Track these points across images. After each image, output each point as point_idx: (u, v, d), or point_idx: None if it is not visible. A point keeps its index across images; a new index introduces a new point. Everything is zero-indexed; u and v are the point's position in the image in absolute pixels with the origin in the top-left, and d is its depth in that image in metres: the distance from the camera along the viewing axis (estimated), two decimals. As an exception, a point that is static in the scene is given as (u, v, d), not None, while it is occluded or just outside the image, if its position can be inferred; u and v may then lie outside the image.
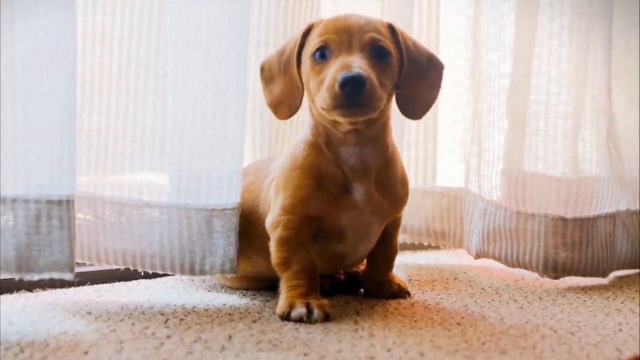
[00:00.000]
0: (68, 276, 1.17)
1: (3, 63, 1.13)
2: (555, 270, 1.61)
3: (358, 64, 1.20)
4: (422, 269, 1.74)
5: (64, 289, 1.42)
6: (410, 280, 1.60)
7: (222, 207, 1.35)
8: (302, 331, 1.16)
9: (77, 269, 1.25)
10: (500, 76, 1.69)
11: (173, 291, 1.44)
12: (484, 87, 1.71)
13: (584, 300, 1.46)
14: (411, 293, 1.45)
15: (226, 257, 1.35)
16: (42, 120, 1.15)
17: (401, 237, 1.49)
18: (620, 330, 1.23)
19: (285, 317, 1.23)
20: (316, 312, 1.22)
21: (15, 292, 1.38)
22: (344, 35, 1.24)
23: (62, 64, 1.17)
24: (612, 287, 1.61)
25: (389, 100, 1.29)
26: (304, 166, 1.30)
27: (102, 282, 1.49)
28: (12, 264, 1.14)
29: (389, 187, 1.33)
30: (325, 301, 1.26)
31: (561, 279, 1.63)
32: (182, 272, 1.36)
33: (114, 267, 1.41)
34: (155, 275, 1.50)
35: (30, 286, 1.39)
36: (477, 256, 1.71)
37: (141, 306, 1.30)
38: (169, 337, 1.11)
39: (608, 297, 1.49)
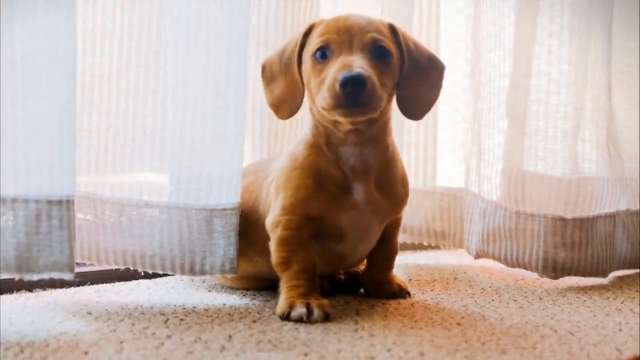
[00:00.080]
0: (68, 276, 1.17)
1: (3, 63, 1.13)
2: (554, 270, 1.61)
3: (359, 63, 1.20)
4: (422, 269, 1.74)
5: (64, 289, 1.42)
6: (410, 280, 1.60)
7: (222, 207, 1.35)
8: (302, 331, 1.16)
9: (77, 269, 1.25)
10: (500, 76, 1.69)
11: (173, 291, 1.44)
12: (484, 87, 1.71)
13: (584, 300, 1.46)
14: (411, 293, 1.45)
15: (226, 257, 1.35)
16: (42, 120, 1.15)
17: (401, 237, 1.50)
18: (620, 330, 1.23)
19: (285, 317, 1.23)
20: (316, 312, 1.22)
21: (15, 292, 1.38)
22: (345, 35, 1.24)
23: (62, 64, 1.17)
24: (612, 287, 1.61)
25: (389, 101, 1.29)
26: (304, 166, 1.30)
27: (102, 282, 1.49)
28: (12, 264, 1.14)
29: (389, 187, 1.33)
30: (325, 301, 1.26)
31: (561, 279, 1.63)
32: (182, 272, 1.36)
33: (114, 267, 1.41)
34: (155, 275, 1.50)
35: (30, 286, 1.39)
36: (477, 256, 1.71)
37: (141, 306, 1.30)
38: (169, 337, 1.11)
39: (608, 297, 1.49)
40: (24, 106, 1.14)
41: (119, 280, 1.50)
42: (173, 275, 1.50)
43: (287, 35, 1.59)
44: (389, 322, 1.23)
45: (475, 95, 1.75)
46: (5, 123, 1.13)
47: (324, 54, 1.24)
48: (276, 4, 1.62)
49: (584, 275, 1.63)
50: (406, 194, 1.38)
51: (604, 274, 1.65)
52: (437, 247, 2.00)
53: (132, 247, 1.35)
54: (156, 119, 1.38)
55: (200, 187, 1.35)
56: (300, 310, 1.22)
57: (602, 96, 1.70)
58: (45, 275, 1.16)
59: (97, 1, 1.36)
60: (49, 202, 1.16)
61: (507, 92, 1.68)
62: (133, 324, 1.18)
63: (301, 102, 1.31)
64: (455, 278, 1.64)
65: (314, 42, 1.26)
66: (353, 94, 1.17)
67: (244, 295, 1.42)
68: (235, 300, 1.38)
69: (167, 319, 1.22)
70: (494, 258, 1.68)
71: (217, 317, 1.25)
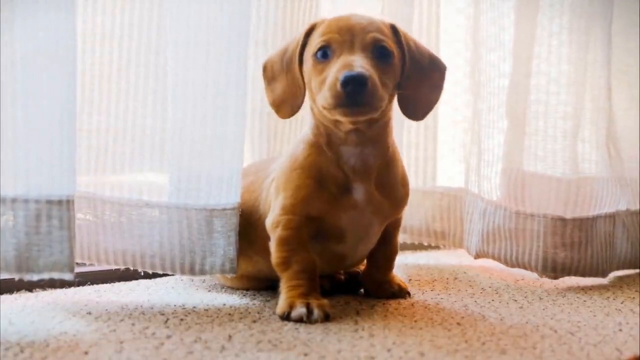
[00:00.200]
0: (68, 276, 1.17)
1: (3, 63, 1.13)
2: (554, 270, 1.61)
3: (360, 63, 1.20)
4: (422, 269, 1.74)
5: (64, 289, 1.42)
6: (410, 280, 1.60)
7: (222, 207, 1.35)
8: (302, 331, 1.16)
9: (77, 269, 1.25)
10: (500, 76, 1.69)
11: (173, 291, 1.44)
12: (484, 87, 1.71)
13: (584, 300, 1.46)
14: (411, 293, 1.45)
15: (226, 257, 1.35)
16: (42, 120, 1.15)
17: (401, 237, 1.50)
18: (620, 330, 1.23)
19: (285, 317, 1.23)
20: (316, 312, 1.22)
21: (15, 292, 1.38)
22: (347, 35, 1.24)
23: (62, 64, 1.17)
24: (612, 287, 1.61)
25: (390, 101, 1.29)
26: (305, 166, 1.30)
27: (102, 282, 1.49)
28: (12, 264, 1.14)
29: (390, 187, 1.33)
30: (325, 301, 1.26)
31: (561, 279, 1.63)
32: (182, 272, 1.36)
33: (114, 267, 1.41)
34: (155, 275, 1.50)
35: (30, 286, 1.39)
36: (477, 256, 1.71)
37: (141, 306, 1.30)
38: (169, 337, 1.11)
39: (608, 297, 1.49)
40: (24, 106, 1.14)
41: (119, 280, 1.50)
42: (173, 275, 1.50)
43: (287, 36, 1.59)
44: (389, 322, 1.23)
45: (475, 95, 1.75)
46: (5, 123, 1.13)
47: (325, 54, 1.24)
48: (275, 4, 1.61)
49: (583, 275, 1.63)
50: (406, 194, 1.38)
51: (603, 274, 1.65)
52: (437, 247, 2.00)
53: (132, 247, 1.35)
54: (156, 119, 1.38)
55: (200, 187, 1.35)
56: (300, 310, 1.22)
57: (601, 96, 1.70)
58: (45, 275, 1.16)
59: (97, 1, 1.36)
60: (49, 202, 1.16)
61: (507, 92, 1.68)
62: (133, 324, 1.18)
63: (302, 101, 1.31)
64: (455, 278, 1.64)
65: (315, 42, 1.26)
66: (354, 94, 1.18)
67: (244, 295, 1.42)
68: (235, 300, 1.38)
69: (167, 319, 1.22)
70: (493, 258, 1.68)
71: (217, 317, 1.25)
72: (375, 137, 1.30)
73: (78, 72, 1.25)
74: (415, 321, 1.25)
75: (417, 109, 1.34)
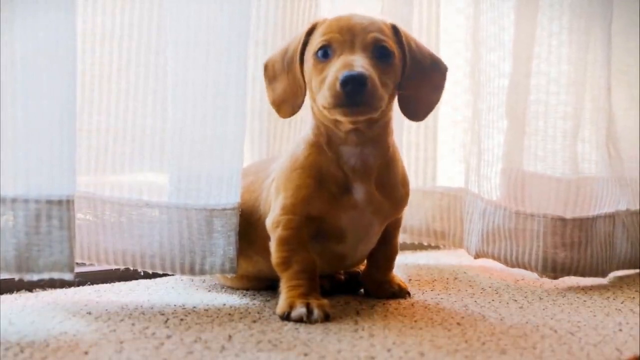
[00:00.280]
0: (68, 276, 1.17)
1: (3, 63, 1.13)
2: (554, 270, 1.61)
3: (360, 63, 1.20)
4: (422, 269, 1.74)
5: (64, 289, 1.42)
6: (410, 280, 1.60)
7: (222, 207, 1.35)
8: (302, 331, 1.16)
9: (77, 269, 1.25)
10: (499, 76, 1.69)
11: (173, 291, 1.44)
12: (484, 87, 1.71)
13: (584, 300, 1.46)
14: (411, 293, 1.45)
15: (226, 257, 1.35)
16: (42, 120, 1.15)
17: (401, 237, 1.50)
18: (620, 330, 1.23)
19: (285, 317, 1.23)
20: (316, 312, 1.22)
21: (15, 292, 1.38)
22: (347, 35, 1.24)
23: (62, 64, 1.17)
24: (612, 287, 1.61)
25: (390, 101, 1.29)
26: (305, 166, 1.30)
27: (102, 282, 1.49)
28: (12, 264, 1.14)
29: (390, 187, 1.33)
30: (325, 301, 1.26)
31: (561, 279, 1.63)
32: (182, 272, 1.36)
33: (114, 267, 1.41)
34: (155, 275, 1.50)
35: (30, 286, 1.39)
36: (477, 256, 1.71)
37: (141, 306, 1.30)
38: (169, 337, 1.11)
39: (608, 297, 1.49)
40: (24, 106, 1.14)
41: (119, 280, 1.50)
42: (173, 275, 1.50)
43: (286, 36, 1.59)
44: (389, 322, 1.23)
45: (475, 95, 1.75)
46: (5, 123, 1.13)
47: (325, 53, 1.24)
48: (275, 4, 1.61)
49: (583, 275, 1.63)
50: (407, 194, 1.38)
51: (603, 274, 1.65)
52: (437, 247, 2.00)
53: (132, 247, 1.35)
54: (156, 119, 1.38)
55: (200, 187, 1.35)
56: (300, 310, 1.22)
57: (601, 96, 1.70)
58: (45, 275, 1.16)
59: (97, 1, 1.36)
60: (49, 202, 1.16)
61: (506, 92, 1.68)
62: (133, 324, 1.18)
63: (303, 100, 1.31)
64: (455, 278, 1.64)
65: (316, 41, 1.26)
66: (353, 93, 1.17)
67: (244, 295, 1.42)
68: (235, 300, 1.38)
69: (167, 319, 1.22)
70: (493, 258, 1.68)
71: (217, 317, 1.25)
72: (376, 137, 1.30)
73: (78, 72, 1.25)
74: (415, 321, 1.25)
75: (417, 109, 1.34)
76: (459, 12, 1.86)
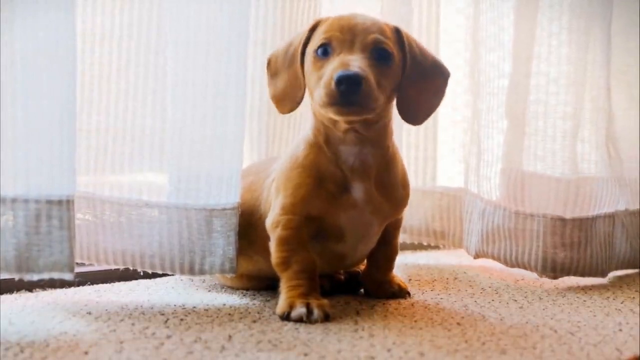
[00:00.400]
0: (68, 276, 1.17)
1: (3, 63, 1.13)
2: (554, 270, 1.61)
3: (357, 63, 1.19)
4: (422, 269, 1.74)
5: (64, 289, 1.42)
6: (410, 280, 1.60)
7: (222, 207, 1.35)
8: (302, 331, 1.16)
9: (77, 269, 1.25)
10: (499, 76, 1.69)
11: (173, 291, 1.44)
12: (484, 87, 1.71)
13: (584, 300, 1.46)
14: (411, 293, 1.45)
15: (226, 256, 1.35)
16: (42, 120, 1.15)
17: (401, 237, 1.50)
18: (620, 330, 1.23)
19: (285, 317, 1.23)
20: (316, 312, 1.22)
21: (15, 292, 1.38)
22: (348, 34, 1.24)
23: (62, 64, 1.17)
24: (612, 287, 1.61)
25: (388, 103, 1.29)
26: (304, 165, 1.30)
27: (102, 282, 1.48)
28: (12, 264, 1.14)
29: (390, 187, 1.33)
30: (325, 301, 1.26)
31: (560, 279, 1.63)
32: (182, 272, 1.36)
33: (113, 267, 1.41)
34: (155, 275, 1.50)
35: (30, 286, 1.39)
36: (476, 256, 1.71)
37: (141, 306, 1.30)
38: (169, 337, 1.11)
39: (608, 297, 1.49)
40: (24, 106, 1.14)
41: (119, 280, 1.50)
42: (173, 275, 1.50)
43: (286, 36, 1.59)
44: (389, 322, 1.23)
45: (474, 96, 1.75)
46: (5, 123, 1.13)
47: (325, 51, 1.24)
48: (275, 4, 1.61)
49: (583, 275, 1.63)
50: (407, 195, 1.38)
51: (603, 274, 1.65)
52: (436, 247, 2.00)
53: (132, 247, 1.35)
54: (156, 119, 1.38)
55: (200, 187, 1.35)
56: (300, 310, 1.22)
57: (601, 96, 1.70)
58: (45, 275, 1.16)
59: (97, 1, 1.36)
60: (49, 202, 1.15)
61: (506, 92, 1.68)
62: (133, 324, 1.18)
63: (302, 97, 1.30)
64: (455, 278, 1.64)
65: (317, 39, 1.26)
66: (348, 93, 1.17)
67: (244, 295, 1.42)
68: (235, 300, 1.38)
69: (167, 319, 1.22)
70: (493, 258, 1.68)
71: (217, 317, 1.25)
72: (374, 138, 1.30)
73: (77, 72, 1.25)
74: (415, 321, 1.25)
75: (416, 113, 1.33)
76: (459, 12, 1.86)
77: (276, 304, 1.27)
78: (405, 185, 1.37)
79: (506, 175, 1.68)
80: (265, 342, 1.10)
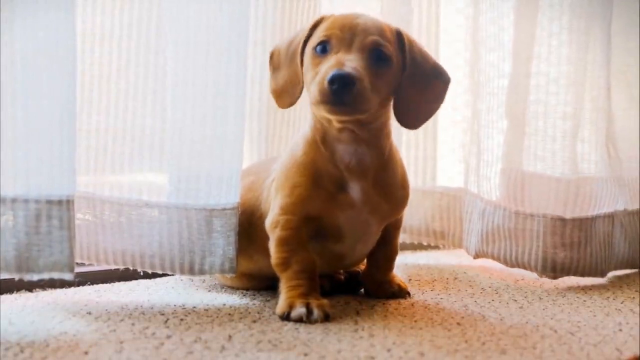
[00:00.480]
0: (68, 276, 1.17)
1: (3, 63, 1.13)
2: (554, 270, 1.61)
3: (352, 63, 1.19)
4: (422, 269, 1.74)
5: (64, 289, 1.42)
6: (410, 280, 1.60)
7: (222, 207, 1.35)
8: (302, 331, 1.16)
9: (77, 269, 1.25)
10: (499, 76, 1.69)
11: (173, 291, 1.44)
12: (483, 87, 1.71)
13: (584, 300, 1.46)
14: (411, 293, 1.45)
15: (226, 256, 1.35)
16: (42, 120, 1.15)
17: (401, 237, 1.50)
18: (620, 330, 1.23)
19: (285, 317, 1.23)
20: (316, 312, 1.22)
21: (15, 292, 1.38)
22: (347, 33, 1.24)
23: (62, 64, 1.17)
24: (612, 287, 1.61)
25: (384, 106, 1.28)
26: (301, 164, 1.30)
27: (102, 282, 1.48)
28: (12, 264, 1.14)
29: (388, 188, 1.33)
30: (325, 301, 1.26)
31: (560, 278, 1.63)
32: (182, 272, 1.36)
33: (113, 267, 1.41)
34: (155, 275, 1.50)
35: (30, 286, 1.39)
36: (476, 256, 1.71)
37: (141, 306, 1.30)
38: (169, 337, 1.11)
39: (608, 297, 1.49)
40: (24, 106, 1.14)
41: (119, 280, 1.50)
42: (173, 275, 1.50)
43: (285, 37, 1.59)
44: (389, 322, 1.23)
45: (474, 96, 1.75)
46: (5, 123, 1.13)
47: (324, 49, 1.24)
48: (274, 4, 1.61)
49: (582, 275, 1.63)
50: (406, 196, 1.38)
51: (602, 274, 1.65)
52: (436, 247, 2.00)
53: (132, 247, 1.35)
54: (155, 119, 1.38)
55: (200, 187, 1.35)
56: (300, 310, 1.22)
57: (601, 96, 1.70)
58: (45, 275, 1.16)
59: (97, 1, 1.36)
60: (49, 202, 1.15)
61: (506, 92, 1.68)
62: (133, 324, 1.18)
63: (300, 93, 1.30)
64: (455, 278, 1.64)
65: (317, 36, 1.26)
66: (340, 93, 1.17)
67: (244, 295, 1.42)
68: (235, 300, 1.38)
69: (167, 319, 1.22)
70: (493, 258, 1.68)
71: (217, 317, 1.25)
72: (369, 139, 1.29)
73: (78, 72, 1.25)
74: (415, 321, 1.25)
75: (412, 117, 1.32)
76: (459, 12, 1.86)
77: (276, 304, 1.27)
78: (404, 185, 1.37)
79: (506, 175, 1.68)
80: (265, 342, 1.10)
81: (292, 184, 1.29)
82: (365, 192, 1.30)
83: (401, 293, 1.42)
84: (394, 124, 1.34)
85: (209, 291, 1.45)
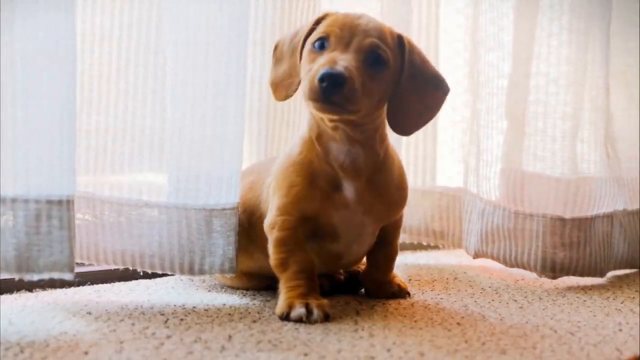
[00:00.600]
0: (68, 276, 1.17)
1: (3, 63, 1.12)
2: (553, 270, 1.61)
3: (345, 63, 1.19)
4: (422, 269, 1.74)
5: (64, 289, 1.42)
6: (410, 280, 1.60)
7: (222, 207, 1.35)
8: (302, 331, 1.16)
9: (77, 269, 1.25)
10: (499, 76, 1.69)
11: (173, 291, 1.44)
12: (483, 88, 1.71)
13: (584, 300, 1.46)
14: (411, 293, 1.45)
15: (225, 256, 1.35)
16: (42, 120, 1.15)
17: (401, 237, 1.50)
18: (620, 330, 1.23)
19: (285, 317, 1.23)
20: (315, 312, 1.22)
21: (15, 292, 1.38)
22: (347, 33, 1.23)
23: (62, 64, 1.17)
24: (612, 287, 1.61)
25: (377, 109, 1.27)
26: (297, 162, 1.30)
27: (102, 282, 1.48)
28: (12, 264, 1.14)
29: (383, 189, 1.32)
30: (324, 301, 1.26)
31: (560, 278, 1.63)
32: (182, 272, 1.36)
33: (113, 267, 1.41)
34: (155, 275, 1.50)
35: (30, 286, 1.39)
36: (476, 256, 1.71)
37: (141, 306, 1.30)
38: (169, 337, 1.11)
39: (608, 297, 1.49)
40: (24, 106, 1.14)
41: (119, 280, 1.50)
42: (173, 275, 1.50)
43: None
44: (389, 322, 1.23)
45: (474, 96, 1.75)
46: (5, 123, 1.13)
47: (322, 45, 1.24)
48: (273, 4, 1.61)
49: (582, 275, 1.63)
50: (403, 198, 1.37)
51: (601, 274, 1.66)
52: (436, 247, 2.00)
53: (132, 247, 1.35)
54: (155, 119, 1.38)
55: (200, 187, 1.35)
56: (299, 310, 1.22)
57: (600, 96, 1.70)
58: (45, 275, 1.16)
59: (96, 1, 1.35)
60: (49, 202, 1.15)
61: (506, 93, 1.68)
62: (133, 324, 1.18)
63: (297, 86, 1.29)
64: (455, 278, 1.64)
65: (317, 31, 1.26)
66: (328, 91, 1.17)
67: (244, 295, 1.42)
68: (235, 300, 1.38)
69: (167, 319, 1.22)
70: (492, 258, 1.68)
71: (217, 317, 1.24)
72: (363, 140, 1.29)
73: (77, 72, 1.25)
74: (415, 321, 1.25)
75: (405, 124, 1.31)
76: (459, 12, 1.86)
77: (276, 304, 1.27)
78: (401, 188, 1.36)
79: (506, 175, 1.68)
80: (265, 342, 1.10)
81: (289, 183, 1.29)
82: (359, 193, 1.29)
83: (401, 293, 1.42)
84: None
85: (209, 291, 1.45)
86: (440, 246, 1.93)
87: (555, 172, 1.66)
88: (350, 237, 1.33)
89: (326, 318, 1.23)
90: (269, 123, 1.63)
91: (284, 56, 1.33)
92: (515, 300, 1.44)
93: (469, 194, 1.74)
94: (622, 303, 1.44)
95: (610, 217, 1.69)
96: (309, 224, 1.30)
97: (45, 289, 1.40)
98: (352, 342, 1.10)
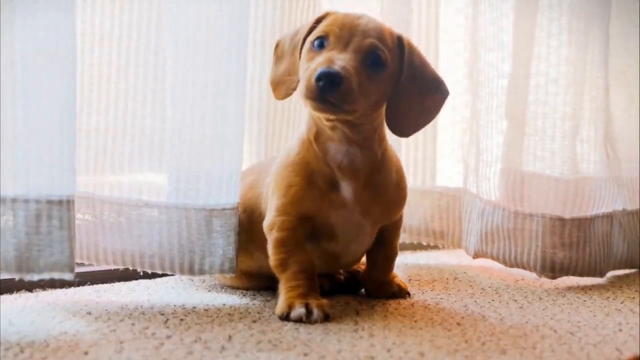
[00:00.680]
0: (68, 276, 1.17)
1: (3, 63, 1.12)
2: (553, 270, 1.61)
3: (342, 62, 1.18)
4: (422, 269, 1.74)
5: (64, 289, 1.42)
6: (410, 280, 1.60)
7: (222, 207, 1.35)
8: (302, 331, 1.16)
9: (77, 269, 1.25)
10: (499, 77, 1.69)
11: (173, 291, 1.44)
12: (483, 88, 1.71)
13: (584, 300, 1.46)
14: (411, 293, 1.45)
15: (225, 256, 1.35)
16: (42, 120, 1.15)
17: (400, 237, 1.50)
18: (620, 330, 1.23)
19: (285, 317, 1.23)
20: (315, 313, 1.22)
21: (15, 292, 1.38)
22: (346, 32, 1.23)
23: (62, 64, 1.16)
24: (612, 287, 1.61)
25: (375, 110, 1.27)
26: (295, 162, 1.30)
27: (102, 282, 1.48)
28: (12, 264, 1.14)
29: (381, 190, 1.32)
30: (324, 301, 1.26)
31: (560, 278, 1.63)
32: (182, 272, 1.36)
33: (113, 267, 1.41)
34: (155, 275, 1.50)
35: (30, 286, 1.39)
36: (475, 256, 1.71)
37: (141, 306, 1.30)
38: (169, 337, 1.11)
39: (608, 297, 1.49)
40: (24, 106, 1.14)
41: (119, 280, 1.50)
42: (173, 275, 1.50)
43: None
44: (389, 322, 1.23)
45: (474, 96, 1.75)
46: (5, 123, 1.13)
47: (321, 44, 1.24)
48: (274, 4, 1.61)
49: (581, 275, 1.63)
50: (401, 199, 1.37)
51: (601, 274, 1.66)
52: (436, 247, 2.00)
53: (132, 247, 1.35)
54: (155, 119, 1.38)
55: (200, 187, 1.35)
56: (299, 310, 1.22)
57: (600, 96, 1.70)
58: (45, 275, 1.16)
59: (96, 1, 1.35)
60: (49, 202, 1.15)
61: (506, 93, 1.69)
62: (133, 324, 1.18)
63: (296, 85, 1.29)
64: (455, 278, 1.64)
65: (317, 30, 1.26)
66: (325, 90, 1.17)
67: (244, 295, 1.42)
68: (235, 300, 1.38)
69: (167, 319, 1.22)
70: (492, 258, 1.68)
71: (217, 317, 1.24)
72: (361, 141, 1.29)
73: (77, 72, 1.25)
74: (415, 321, 1.25)
75: (403, 125, 1.31)
76: (459, 12, 1.86)
77: (276, 304, 1.27)
78: (400, 190, 1.36)
79: (505, 175, 1.68)
80: (265, 342, 1.10)
81: (287, 183, 1.29)
82: (356, 193, 1.29)
83: (401, 293, 1.42)
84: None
85: (209, 291, 1.45)
86: (440, 246, 1.93)
87: (555, 172, 1.66)
88: (348, 237, 1.33)
89: (326, 318, 1.23)
90: (269, 123, 1.63)
91: (285, 55, 1.33)
92: (515, 300, 1.44)
93: (469, 194, 1.74)
94: (622, 303, 1.44)
95: (609, 217, 1.69)
96: (307, 224, 1.30)
97: (45, 289, 1.40)
98: (352, 342, 1.10)
